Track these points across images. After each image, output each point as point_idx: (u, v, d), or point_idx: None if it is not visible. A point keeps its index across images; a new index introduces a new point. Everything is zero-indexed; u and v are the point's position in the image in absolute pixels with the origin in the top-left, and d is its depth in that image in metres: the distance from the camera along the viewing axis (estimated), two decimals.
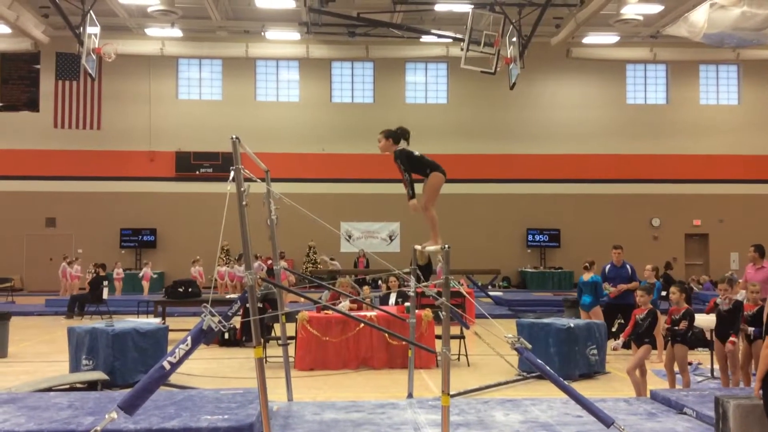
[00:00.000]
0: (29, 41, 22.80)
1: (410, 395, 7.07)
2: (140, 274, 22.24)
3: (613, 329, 11.28)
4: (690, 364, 8.50)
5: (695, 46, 22.73)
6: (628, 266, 11.32)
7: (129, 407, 4.54)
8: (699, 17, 13.30)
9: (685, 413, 6.24)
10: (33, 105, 25.10)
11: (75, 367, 8.68)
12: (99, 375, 8.25)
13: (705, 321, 8.81)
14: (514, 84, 20.00)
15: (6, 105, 25.11)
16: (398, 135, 6.15)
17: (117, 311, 16.52)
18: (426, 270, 15.65)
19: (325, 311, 9.92)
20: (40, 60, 24.88)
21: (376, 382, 8.98)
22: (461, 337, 10.19)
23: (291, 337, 9.37)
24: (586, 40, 24.54)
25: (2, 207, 24.71)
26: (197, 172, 25.21)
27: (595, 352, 9.40)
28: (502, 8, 18.81)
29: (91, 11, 18.52)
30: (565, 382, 5.28)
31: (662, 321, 7.93)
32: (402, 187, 6.10)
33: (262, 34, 23.85)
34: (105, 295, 16.69)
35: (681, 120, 26.59)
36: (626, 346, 8.18)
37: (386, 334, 9.39)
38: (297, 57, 25.39)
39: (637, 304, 7.98)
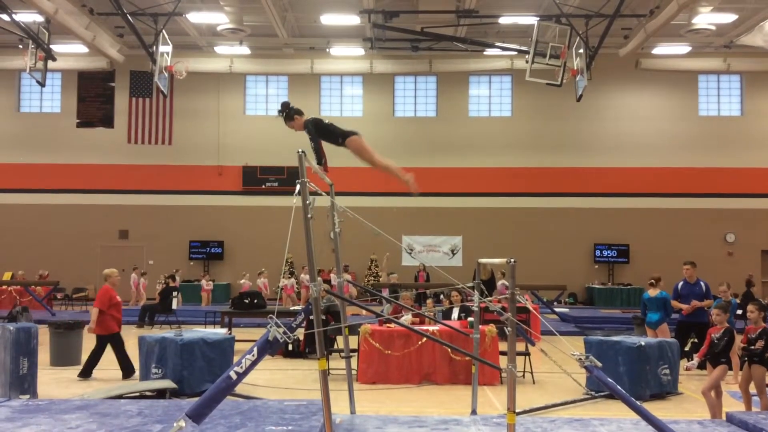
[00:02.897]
0: (105, 60, 23.75)
1: (474, 412, 6.96)
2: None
3: (686, 348, 10.88)
4: None
5: None
6: (702, 283, 10.91)
7: (197, 416, 4.61)
8: None
9: None
10: (108, 121, 26.09)
11: (145, 375, 8.91)
12: (168, 383, 8.44)
13: None
14: (581, 96, 19.64)
15: (83, 122, 26.18)
16: (296, 109, 6.16)
17: (185, 321, 16.92)
18: (489, 285, 15.48)
19: (388, 325, 9.91)
20: (115, 78, 25.87)
21: (439, 398, 8.89)
22: (527, 353, 10.01)
23: (353, 350, 9.39)
24: (656, 51, 23.94)
25: (78, 219, 25.71)
26: (263, 186, 25.66)
27: (667, 371, 9.09)
28: (568, 20, 18.54)
29: (163, 31, 19.17)
30: (637, 402, 5.10)
31: (738, 340, 7.60)
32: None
33: (327, 50, 24.19)
34: (174, 305, 17.13)
35: (756, 132, 25.59)
36: (701, 366, 7.87)
37: (449, 350, 9.30)
38: (360, 72, 25.63)
39: (711, 323, 7.68)
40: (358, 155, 5.96)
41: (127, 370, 10.05)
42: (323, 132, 5.97)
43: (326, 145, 6.15)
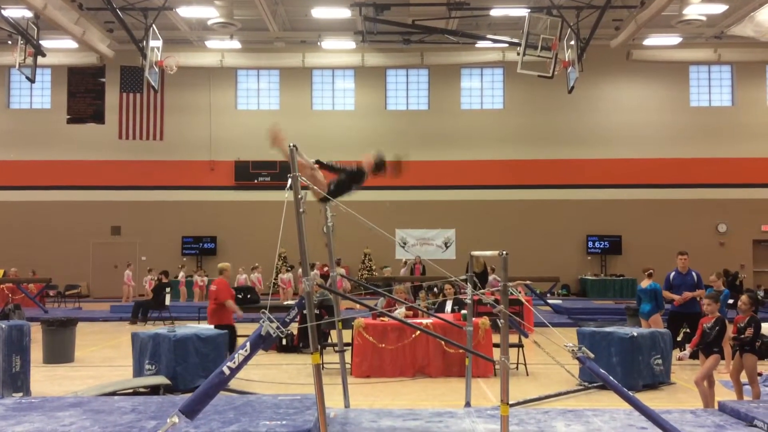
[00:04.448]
0: (95, 55, 23.60)
1: (468, 404, 6.98)
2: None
3: (678, 338, 10.93)
4: (760, 374, 8.16)
5: (762, 46, 22.01)
6: (693, 273, 10.96)
7: (190, 412, 4.62)
8: (766, 16, 12.88)
9: (755, 425, 6.00)
10: (99, 117, 25.90)
11: (138, 371, 8.89)
12: (161, 380, 8.43)
13: None
14: (573, 88, 19.66)
15: (73, 117, 26.00)
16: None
17: (178, 317, 16.90)
18: (482, 277, 15.51)
19: (381, 318, 9.92)
20: (105, 73, 25.67)
21: (433, 391, 8.91)
22: (520, 345, 10.03)
23: (347, 344, 9.39)
24: (647, 42, 23.96)
25: (70, 216, 25.61)
26: (256, 181, 25.61)
27: (659, 361, 9.13)
28: (559, 11, 18.54)
29: (153, 25, 19.07)
30: (630, 393, 5.13)
31: (730, 330, 7.66)
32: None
33: (319, 43, 24.11)
34: (167, 301, 17.10)
35: (748, 122, 25.67)
36: (694, 356, 7.92)
37: (443, 342, 9.32)
38: (352, 66, 25.56)
39: (702, 313, 7.73)
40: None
41: None
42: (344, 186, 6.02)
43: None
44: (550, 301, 20.22)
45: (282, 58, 25.14)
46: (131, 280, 22.46)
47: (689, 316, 10.65)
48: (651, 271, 11.24)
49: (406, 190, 25.47)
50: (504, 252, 5.07)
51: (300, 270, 21.49)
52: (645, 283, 11.11)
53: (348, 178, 5.95)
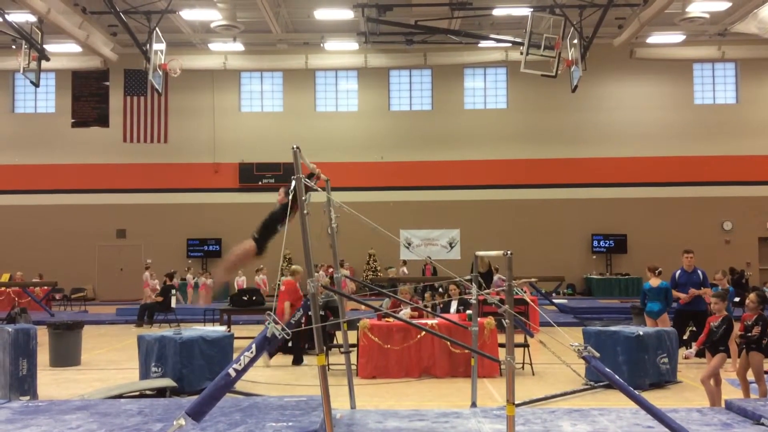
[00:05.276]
0: (99, 59, 23.67)
1: (474, 404, 6.97)
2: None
3: (685, 337, 10.91)
4: (766, 372, 8.13)
5: (766, 43, 21.98)
6: (699, 272, 10.92)
7: (196, 414, 4.62)
8: None
9: (762, 424, 5.97)
10: (103, 120, 26.01)
11: (145, 374, 8.90)
12: (167, 382, 8.44)
13: None
14: (576, 86, 19.63)
15: (78, 121, 26.11)
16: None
17: (184, 319, 16.92)
18: (487, 277, 15.49)
19: (386, 319, 9.92)
20: (109, 77, 25.79)
21: (439, 391, 8.91)
22: (525, 345, 10.02)
23: (353, 345, 9.39)
24: (650, 40, 23.93)
25: (75, 219, 25.68)
26: (260, 183, 25.63)
27: (665, 360, 9.10)
28: (562, 10, 18.51)
29: (157, 29, 19.10)
30: (636, 392, 5.12)
31: (736, 328, 7.64)
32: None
33: (321, 45, 24.14)
34: (173, 303, 17.13)
35: (752, 119, 25.61)
36: (700, 354, 7.89)
37: (448, 343, 9.31)
38: (355, 67, 25.59)
39: (709, 311, 7.71)
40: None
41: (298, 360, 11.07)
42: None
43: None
44: (555, 301, 20.20)
45: (285, 59, 25.21)
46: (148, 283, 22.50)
47: (695, 315, 10.63)
48: (660, 269, 11.18)
49: (410, 190, 25.48)
50: (509, 252, 5.07)
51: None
52: (655, 282, 11.03)
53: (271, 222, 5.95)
